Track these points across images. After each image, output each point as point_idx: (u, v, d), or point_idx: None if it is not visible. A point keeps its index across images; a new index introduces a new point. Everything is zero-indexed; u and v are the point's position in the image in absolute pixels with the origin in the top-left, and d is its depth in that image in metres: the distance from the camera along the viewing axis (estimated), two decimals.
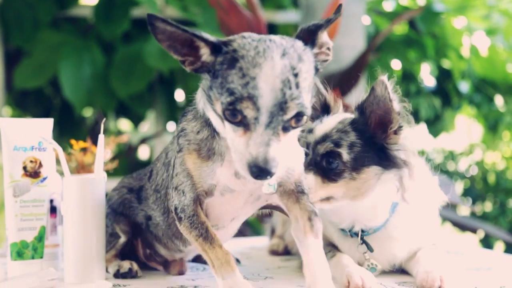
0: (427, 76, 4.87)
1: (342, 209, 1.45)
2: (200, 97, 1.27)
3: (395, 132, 1.40)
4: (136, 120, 4.82)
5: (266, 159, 1.08)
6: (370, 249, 1.47)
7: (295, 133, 1.16)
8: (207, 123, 1.25)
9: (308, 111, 1.13)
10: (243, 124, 1.10)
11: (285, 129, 1.11)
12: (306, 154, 1.38)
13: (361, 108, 1.43)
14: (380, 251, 1.48)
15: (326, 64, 1.24)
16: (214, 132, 1.24)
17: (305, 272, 1.24)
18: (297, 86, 1.09)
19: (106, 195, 1.53)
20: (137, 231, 1.56)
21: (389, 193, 1.43)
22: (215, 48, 1.15)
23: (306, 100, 1.11)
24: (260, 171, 1.08)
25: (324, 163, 1.40)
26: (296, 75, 1.09)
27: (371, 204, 1.43)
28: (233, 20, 3.11)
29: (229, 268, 1.22)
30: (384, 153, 1.41)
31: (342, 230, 1.50)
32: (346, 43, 3.48)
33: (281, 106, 1.08)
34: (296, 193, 1.29)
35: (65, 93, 3.88)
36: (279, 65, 1.08)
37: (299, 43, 1.16)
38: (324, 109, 1.54)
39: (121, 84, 3.94)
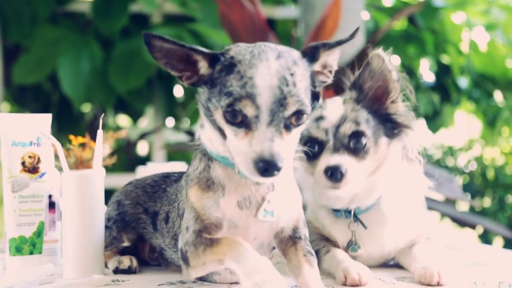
0: (426, 72, 4.87)
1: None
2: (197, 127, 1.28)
3: (393, 101, 1.44)
4: (135, 116, 4.81)
5: (272, 152, 1.08)
6: (364, 225, 1.47)
7: (297, 132, 1.16)
8: (203, 154, 1.27)
9: (308, 110, 1.13)
10: (245, 124, 1.11)
11: (287, 127, 1.12)
12: (310, 154, 1.39)
13: (356, 85, 1.46)
14: (370, 235, 1.48)
15: (324, 85, 1.26)
16: (209, 161, 1.25)
17: None
18: (294, 84, 1.11)
19: (107, 191, 1.52)
20: (143, 238, 1.55)
21: (393, 165, 1.46)
22: (213, 60, 1.17)
23: (306, 99, 1.13)
24: (267, 165, 1.08)
25: (352, 144, 1.41)
26: (292, 75, 1.11)
27: (373, 180, 1.44)
28: (236, 14, 3.11)
29: (239, 247, 1.15)
30: (389, 122, 1.44)
31: (335, 211, 1.50)
32: None
33: (281, 102, 1.09)
34: (293, 239, 1.29)
35: (63, 88, 3.88)
36: (274, 65, 1.10)
37: (296, 52, 1.18)
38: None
39: (120, 80, 3.93)
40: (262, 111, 1.09)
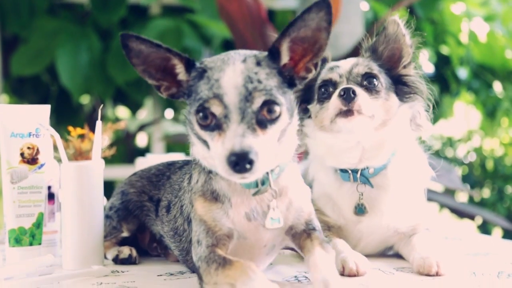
0: (425, 63, 4.86)
1: (352, 146, 1.47)
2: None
3: (404, 66, 1.51)
4: (134, 107, 4.81)
5: (242, 146, 1.08)
6: (370, 184, 1.49)
7: (275, 129, 1.15)
8: (202, 168, 1.27)
9: (280, 101, 1.13)
10: (217, 126, 1.12)
11: (261, 123, 1.12)
12: (325, 93, 1.47)
13: (371, 48, 1.53)
14: (371, 201, 1.49)
15: (305, 82, 1.26)
16: (209, 174, 1.25)
17: (311, 273, 1.20)
18: (260, 81, 1.13)
19: (106, 183, 1.52)
20: (144, 228, 1.56)
21: (401, 127, 1.49)
22: (189, 64, 1.19)
23: (275, 92, 1.13)
24: (237, 158, 1.07)
25: (364, 82, 1.47)
26: (256, 73, 1.13)
27: (381, 138, 1.46)
28: (234, 5, 3.10)
29: (250, 272, 1.12)
30: (400, 85, 1.50)
31: (343, 172, 1.51)
32: (345, 29, 3.47)
33: (247, 98, 1.11)
34: (308, 231, 1.28)
35: (62, 80, 3.87)
36: (239, 68, 1.14)
37: (263, 55, 1.18)
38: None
39: (119, 71, 3.92)
40: (230, 110, 1.11)
